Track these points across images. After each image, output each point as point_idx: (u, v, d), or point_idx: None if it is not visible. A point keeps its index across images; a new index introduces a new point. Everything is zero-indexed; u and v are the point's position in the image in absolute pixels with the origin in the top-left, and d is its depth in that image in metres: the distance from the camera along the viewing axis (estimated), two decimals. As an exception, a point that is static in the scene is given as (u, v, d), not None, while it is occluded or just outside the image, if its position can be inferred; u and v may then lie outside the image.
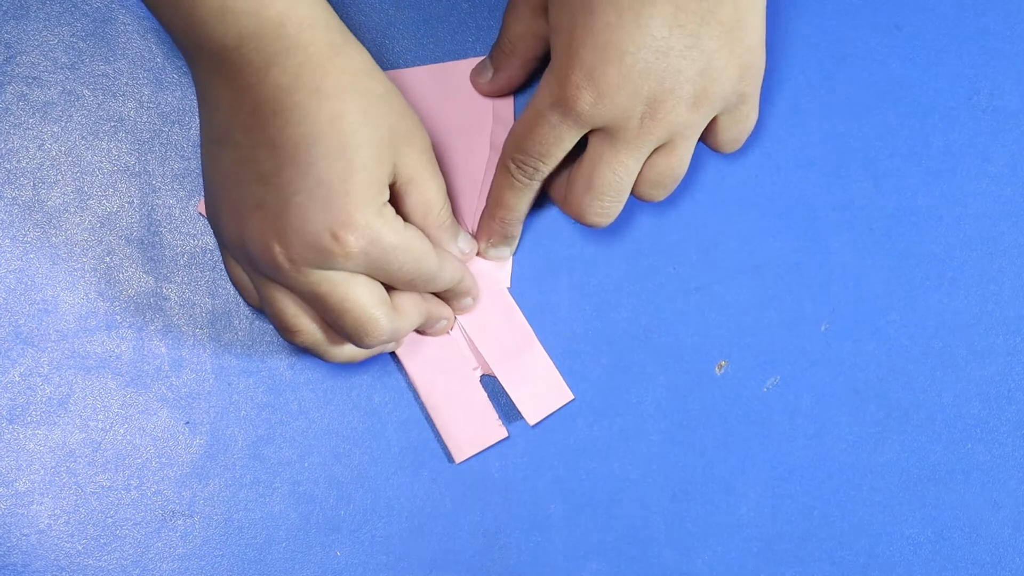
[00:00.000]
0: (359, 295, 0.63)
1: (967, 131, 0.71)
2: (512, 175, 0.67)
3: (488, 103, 0.70)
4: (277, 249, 0.61)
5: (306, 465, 0.70)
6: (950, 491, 0.70)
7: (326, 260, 0.61)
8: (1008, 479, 0.70)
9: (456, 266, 0.67)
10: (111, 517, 0.69)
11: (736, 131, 0.67)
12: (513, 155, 0.66)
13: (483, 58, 0.70)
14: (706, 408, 0.70)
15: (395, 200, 0.64)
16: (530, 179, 0.67)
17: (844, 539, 0.70)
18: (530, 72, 0.69)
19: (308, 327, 0.64)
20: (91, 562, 0.69)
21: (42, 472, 0.69)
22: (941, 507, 0.70)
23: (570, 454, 0.70)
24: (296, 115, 0.60)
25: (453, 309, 0.69)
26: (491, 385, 0.70)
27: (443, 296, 0.68)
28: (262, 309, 0.66)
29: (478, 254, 0.70)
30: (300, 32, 0.61)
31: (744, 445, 0.70)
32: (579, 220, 0.67)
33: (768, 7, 0.71)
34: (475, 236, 0.70)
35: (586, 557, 0.70)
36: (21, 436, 0.69)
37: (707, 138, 0.68)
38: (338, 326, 0.63)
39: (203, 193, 0.66)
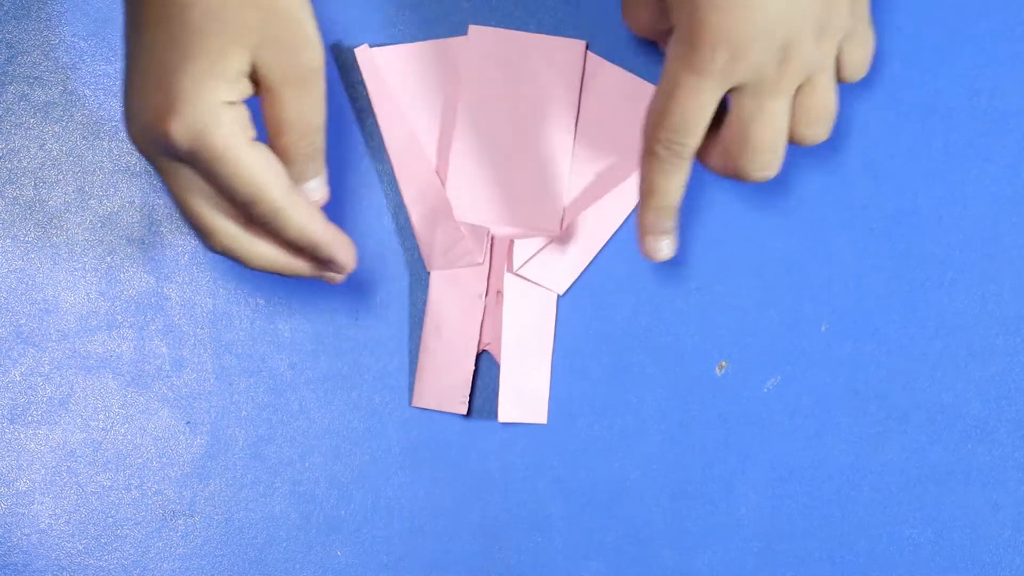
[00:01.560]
0: (193, 197, 0.61)
1: (968, 132, 0.71)
2: (660, 158, 0.64)
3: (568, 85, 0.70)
4: (129, 127, 0.60)
5: (307, 465, 0.70)
6: (950, 491, 0.70)
7: (158, 145, 0.60)
8: (1008, 479, 0.70)
9: (308, 216, 0.62)
10: (112, 517, 0.69)
11: (860, 55, 0.65)
12: (657, 136, 0.64)
13: None
14: (706, 408, 0.70)
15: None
16: (679, 157, 0.64)
17: (844, 539, 0.70)
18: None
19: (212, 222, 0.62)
20: (92, 562, 0.69)
21: (43, 472, 0.69)
22: (941, 507, 0.70)
23: (570, 454, 0.70)
24: None
25: (316, 274, 0.65)
26: (484, 364, 0.70)
27: (302, 255, 0.64)
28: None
29: (642, 253, 0.67)
30: None
31: (744, 445, 0.70)
32: (743, 180, 0.65)
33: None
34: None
35: (586, 557, 0.70)
36: (22, 436, 0.69)
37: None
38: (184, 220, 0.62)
39: None
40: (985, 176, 0.71)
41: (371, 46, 0.71)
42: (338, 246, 0.63)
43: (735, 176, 0.65)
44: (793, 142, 0.65)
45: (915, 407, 0.70)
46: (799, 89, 0.64)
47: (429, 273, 0.70)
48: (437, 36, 0.71)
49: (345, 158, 0.71)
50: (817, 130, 0.65)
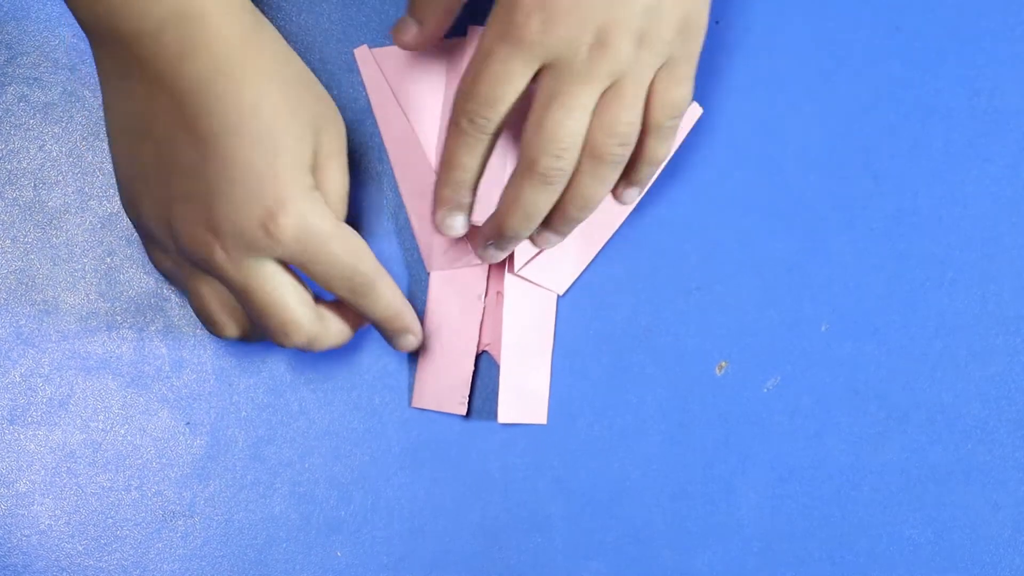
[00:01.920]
0: (285, 293, 0.62)
1: (967, 132, 0.71)
2: (463, 131, 0.64)
3: None
4: (210, 240, 0.61)
5: (306, 466, 0.70)
6: (950, 491, 0.70)
7: (259, 247, 0.61)
8: (1008, 480, 0.70)
9: (395, 288, 0.66)
10: (112, 518, 0.69)
11: (672, 95, 0.64)
12: (463, 106, 0.63)
13: (402, 16, 0.68)
14: (706, 408, 0.70)
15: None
16: (482, 132, 0.64)
17: (844, 539, 0.70)
18: (455, 18, 0.67)
19: (231, 322, 0.65)
20: (91, 563, 0.69)
21: (43, 473, 0.69)
22: (941, 507, 0.70)
23: (570, 454, 0.70)
24: (218, 105, 0.59)
25: (393, 345, 0.68)
26: (483, 365, 0.70)
27: (381, 331, 0.67)
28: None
29: (434, 227, 0.68)
30: (219, 18, 0.60)
31: (744, 445, 0.70)
32: (530, 172, 0.63)
33: (768, 8, 0.72)
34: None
35: (586, 557, 0.70)
36: (22, 436, 0.69)
37: (643, 109, 0.64)
38: (261, 322, 0.63)
39: (119, 190, 0.65)
40: (985, 176, 0.71)
41: (370, 47, 0.71)
42: (412, 314, 0.67)
43: (523, 168, 0.63)
44: (587, 153, 0.63)
45: (915, 407, 0.70)
46: (605, 95, 0.62)
47: (429, 274, 0.70)
48: (437, 36, 0.71)
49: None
50: (607, 141, 0.63)
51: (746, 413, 0.70)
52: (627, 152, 0.64)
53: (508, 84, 0.62)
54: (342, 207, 0.65)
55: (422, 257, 0.71)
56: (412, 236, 0.71)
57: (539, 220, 0.65)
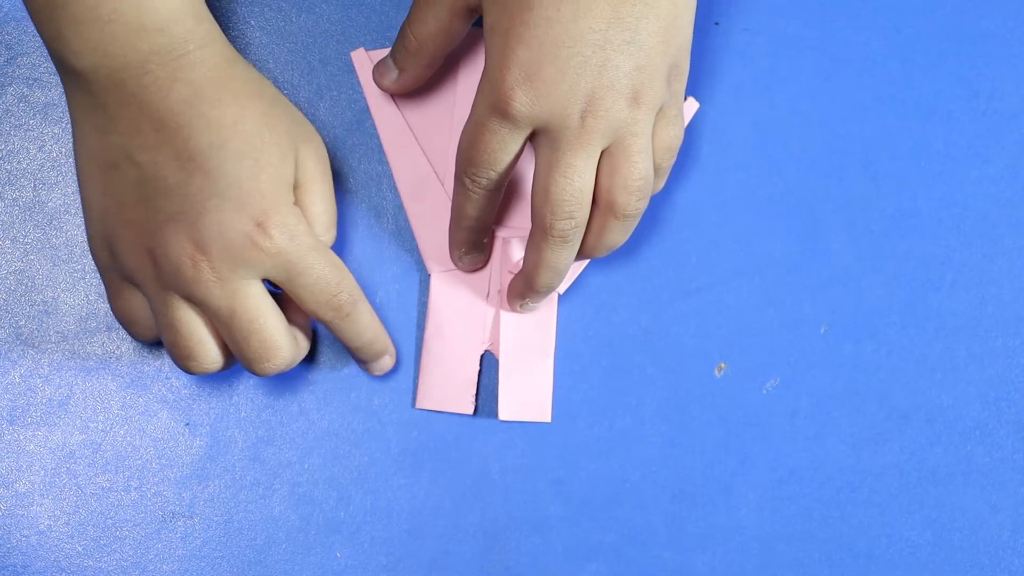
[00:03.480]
0: (269, 317, 0.63)
1: (967, 133, 0.71)
2: (467, 188, 0.65)
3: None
4: (197, 258, 0.61)
5: (306, 466, 0.70)
6: (949, 493, 0.70)
7: (247, 260, 0.61)
8: (1007, 481, 0.70)
9: (372, 309, 0.67)
10: (111, 518, 0.69)
11: (667, 136, 0.65)
12: (464, 168, 0.65)
13: (385, 56, 0.69)
14: (706, 410, 0.70)
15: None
16: (484, 189, 0.65)
17: (843, 541, 0.70)
18: (435, 70, 0.69)
19: (207, 355, 0.64)
20: (91, 563, 0.69)
21: (42, 473, 0.69)
22: (940, 509, 0.70)
23: (570, 455, 0.70)
24: (200, 124, 0.61)
25: (370, 370, 0.69)
26: (486, 363, 0.70)
27: (359, 355, 0.68)
28: (155, 337, 0.66)
29: (456, 264, 0.69)
30: (202, 48, 0.62)
31: (744, 447, 0.70)
32: (547, 235, 0.64)
33: (768, 9, 0.72)
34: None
35: (586, 558, 0.70)
36: (21, 437, 0.69)
37: None
38: (241, 348, 0.63)
39: (88, 230, 0.65)
40: (984, 177, 0.71)
41: (367, 50, 0.71)
42: (387, 335, 0.68)
43: (539, 231, 0.64)
44: (607, 211, 0.64)
45: (914, 408, 0.70)
46: (609, 151, 0.63)
47: (429, 275, 0.70)
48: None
49: (343, 161, 0.71)
50: (628, 198, 0.64)
51: (746, 414, 0.70)
52: (646, 204, 0.65)
53: (502, 151, 0.63)
54: (330, 232, 0.66)
55: (422, 258, 0.71)
56: (412, 237, 0.71)
57: (567, 270, 0.66)
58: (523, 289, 0.68)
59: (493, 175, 0.64)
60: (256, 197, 0.61)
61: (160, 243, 0.62)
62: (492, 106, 0.62)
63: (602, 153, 0.63)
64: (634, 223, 0.65)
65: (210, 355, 0.64)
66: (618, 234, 0.65)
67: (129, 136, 0.62)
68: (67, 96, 0.64)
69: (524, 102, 0.61)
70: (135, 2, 0.60)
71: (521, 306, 0.69)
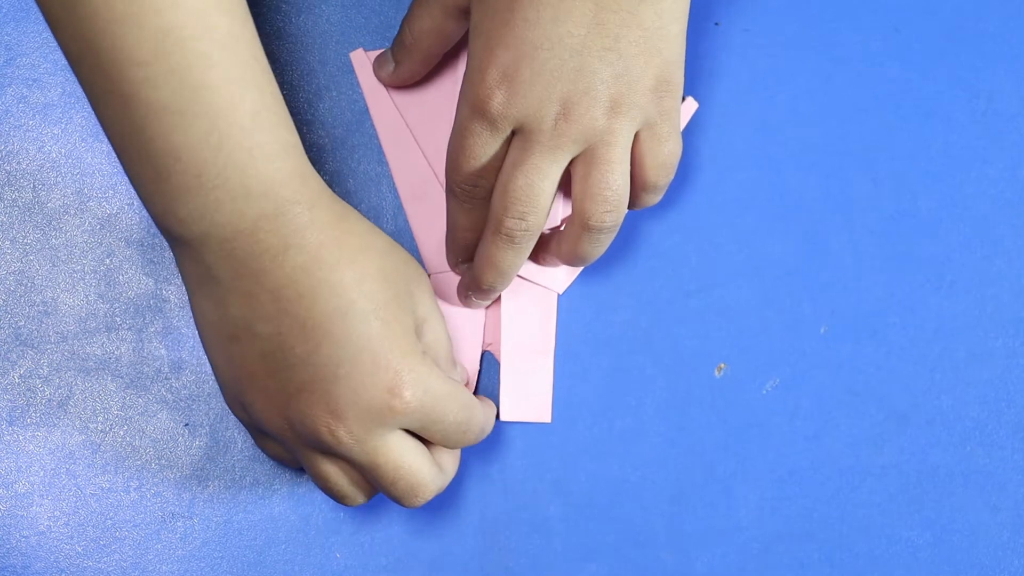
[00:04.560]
0: (412, 460, 0.63)
1: (966, 134, 0.71)
2: (458, 197, 0.65)
3: None
4: (335, 426, 0.61)
5: (305, 467, 0.70)
6: (949, 494, 0.70)
7: (385, 422, 0.61)
8: (1007, 482, 0.70)
9: (485, 411, 0.67)
10: (111, 519, 0.69)
11: (660, 154, 0.64)
12: (452, 177, 0.64)
13: (385, 49, 0.70)
14: (705, 410, 0.70)
15: None
16: (475, 197, 0.65)
17: (843, 541, 0.70)
18: (431, 67, 0.69)
19: (360, 493, 0.65)
20: (90, 564, 0.69)
21: (42, 474, 0.69)
22: (940, 510, 0.70)
23: (570, 455, 0.70)
24: (322, 291, 0.60)
25: None
26: (484, 362, 0.70)
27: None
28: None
29: (453, 271, 0.69)
30: (311, 209, 0.60)
31: (743, 447, 0.70)
32: (497, 232, 0.64)
33: (768, 9, 0.72)
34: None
35: (585, 559, 0.70)
36: (21, 438, 0.69)
37: (634, 172, 0.65)
38: (389, 493, 0.63)
39: (222, 391, 0.65)
40: (984, 178, 0.71)
41: (367, 50, 0.71)
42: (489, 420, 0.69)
43: (491, 229, 0.64)
44: (578, 221, 0.64)
45: (914, 409, 0.70)
46: (581, 159, 0.62)
47: (429, 275, 0.70)
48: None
49: (342, 162, 0.71)
50: (595, 208, 0.63)
51: (745, 415, 0.70)
52: (619, 218, 0.64)
53: (485, 156, 0.63)
54: (450, 362, 0.66)
55: (422, 259, 0.71)
56: (412, 238, 0.71)
57: (513, 274, 0.66)
58: (470, 284, 0.67)
59: (483, 182, 0.64)
60: (388, 358, 0.60)
61: (295, 412, 0.61)
62: (472, 107, 0.62)
63: (575, 162, 0.63)
64: (607, 238, 0.64)
65: (361, 495, 0.65)
66: (589, 246, 0.65)
67: (248, 308, 0.60)
68: (179, 267, 0.62)
69: (501, 101, 0.61)
70: (239, 168, 0.58)
71: (465, 300, 0.69)
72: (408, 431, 0.63)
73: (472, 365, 0.70)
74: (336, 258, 0.60)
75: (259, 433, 0.65)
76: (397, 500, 0.63)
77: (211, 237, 0.59)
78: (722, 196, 0.71)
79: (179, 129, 0.57)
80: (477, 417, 0.65)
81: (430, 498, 0.64)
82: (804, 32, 0.72)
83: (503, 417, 0.70)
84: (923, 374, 0.70)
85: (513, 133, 0.62)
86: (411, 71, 0.69)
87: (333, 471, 0.63)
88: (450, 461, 0.66)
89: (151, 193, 0.59)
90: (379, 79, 0.70)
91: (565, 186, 0.66)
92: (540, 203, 0.63)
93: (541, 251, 0.68)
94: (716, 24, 0.72)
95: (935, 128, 0.71)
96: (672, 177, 0.65)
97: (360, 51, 0.71)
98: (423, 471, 0.63)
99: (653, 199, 0.66)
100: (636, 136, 0.63)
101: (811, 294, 0.71)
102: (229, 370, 0.62)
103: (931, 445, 0.70)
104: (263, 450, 0.66)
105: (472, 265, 0.67)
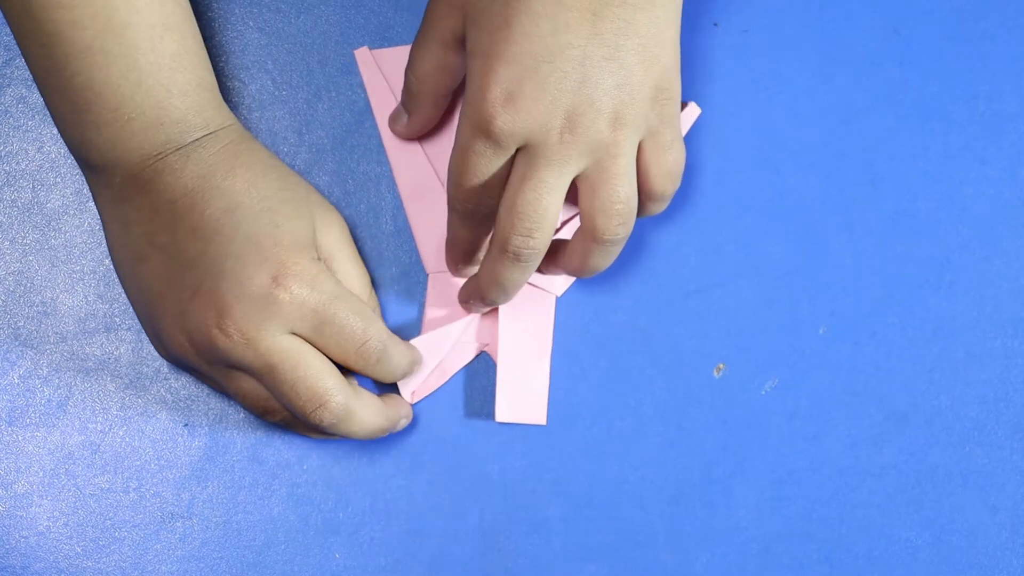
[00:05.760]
0: (311, 362, 0.62)
1: (966, 134, 0.71)
2: (460, 212, 0.65)
3: None
4: (224, 323, 0.61)
5: (304, 467, 0.70)
6: (948, 494, 0.70)
7: (272, 315, 0.61)
8: (1006, 482, 0.70)
9: (409, 351, 0.67)
10: (110, 519, 0.69)
11: (665, 162, 0.63)
12: (456, 197, 0.64)
13: (397, 104, 0.70)
14: (704, 411, 0.70)
15: None
16: (478, 214, 0.64)
17: (842, 542, 0.70)
18: (443, 109, 0.69)
19: (282, 409, 0.65)
20: (90, 564, 0.69)
21: (41, 474, 0.69)
22: (939, 510, 0.70)
23: (569, 456, 0.70)
24: (214, 194, 0.62)
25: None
26: (481, 364, 0.70)
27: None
28: (274, 406, 0.66)
29: (453, 274, 0.69)
30: (217, 131, 0.63)
31: (742, 448, 0.70)
32: (503, 251, 0.63)
33: (767, 9, 0.72)
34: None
35: (585, 559, 0.70)
36: (20, 438, 0.69)
37: (640, 182, 0.64)
38: (292, 402, 0.63)
39: (144, 330, 0.66)
40: (983, 179, 0.71)
41: (370, 48, 0.71)
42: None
43: (497, 246, 0.63)
44: (588, 235, 0.63)
45: (913, 409, 0.70)
46: (588, 173, 0.62)
47: (428, 275, 0.70)
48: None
49: (344, 160, 0.71)
50: (607, 222, 0.63)
51: (744, 415, 0.70)
52: (630, 230, 0.63)
53: (489, 175, 0.62)
54: (372, 299, 0.66)
55: (421, 258, 0.71)
56: (411, 237, 0.71)
57: (516, 291, 0.66)
58: (471, 294, 0.67)
59: (487, 201, 0.63)
60: (274, 251, 0.61)
61: (192, 323, 0.62)
62: (475, 127, 0.61)
63: (582, 175, 0.62)
64: (617, 249, 0.64)
65: (279, 409, 0.65)
66: (599, 258, 0.64)
67: (149, 223, 0.62)
68: (94, 197, 0.65)
69: (506, 120, 0.60)
70: (156, 102, 0.61)
71: (464, 304, 0.69)
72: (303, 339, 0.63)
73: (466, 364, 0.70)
74: (231, 166, 0.63)
75: (189, 370, 0.66)
76: (304, 415, 0.63)
77: (122, 161, 0.62)
78: (721, 196, 0.71)
79: (101, 67, 0.60)
80: (377, 330, 0.64)
81: (340, 413, 0.63)
82: (804, 33, 0.72)
83: (499, 419, 0.70)
84: (922, 374, 0.70)
85: (517, 150, 0.62)
86: (425, 117, 0.68)
87: (246, 381, 0.63)
88: (369, 394, 0.66)
89: (69, 124, 0.62)
90: (395, 134, 0.70)
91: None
92: (547, 220, 0.62)
93: (545, 262, 0.67)
94: (715, 25, 0.72)
95: (934, 128, 0.71)
96: (678, 185, 0.65)
97: (364, 49, 0.71)
98: (324, 376, 0.63)
99: (660, 207, 0.66)
100: (640, 146, 0.63)
101: (810, 294, 0.71)
102: (140, 296, 0.64)
103: (930, 445, 0.70)
104: (235, 396, 0.66)
105: (476, 278, 0.67)
